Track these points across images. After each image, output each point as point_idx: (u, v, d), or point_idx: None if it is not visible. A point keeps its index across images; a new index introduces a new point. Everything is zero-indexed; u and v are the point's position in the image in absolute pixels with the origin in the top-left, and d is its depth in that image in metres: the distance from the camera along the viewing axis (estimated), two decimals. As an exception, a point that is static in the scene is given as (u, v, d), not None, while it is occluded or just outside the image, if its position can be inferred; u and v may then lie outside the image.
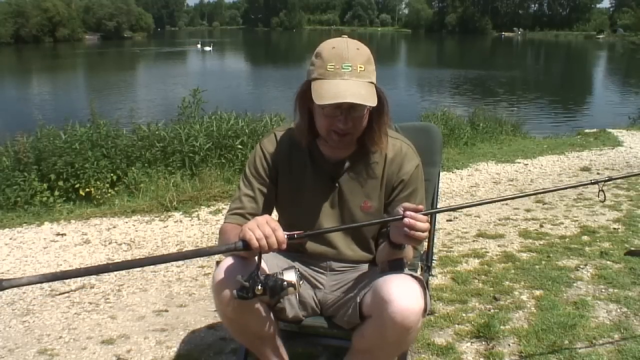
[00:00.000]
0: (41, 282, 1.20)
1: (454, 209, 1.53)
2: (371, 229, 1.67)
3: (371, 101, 1.43)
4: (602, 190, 1.55)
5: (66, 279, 1.42)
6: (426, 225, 1.36)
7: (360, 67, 1.45)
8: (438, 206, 2.11)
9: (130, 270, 3.24)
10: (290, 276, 1.36)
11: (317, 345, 2.09)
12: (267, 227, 1.32)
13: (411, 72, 30.72)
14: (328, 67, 1.45)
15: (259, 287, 1.32)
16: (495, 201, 1.54)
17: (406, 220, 1.35)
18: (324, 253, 1.70)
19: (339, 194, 1.65)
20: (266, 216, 1.37)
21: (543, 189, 1.76)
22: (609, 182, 5.14)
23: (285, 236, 1.34)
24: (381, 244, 1.62)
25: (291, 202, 1.68)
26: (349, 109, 1.46)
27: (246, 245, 1.31)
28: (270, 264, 1.54)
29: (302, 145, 1.63)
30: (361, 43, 1.51)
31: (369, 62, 1.49)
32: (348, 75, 1.44)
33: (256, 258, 1.35)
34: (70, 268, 3.29)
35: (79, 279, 3.12)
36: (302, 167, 1.66)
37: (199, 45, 50.87)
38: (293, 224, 1.64)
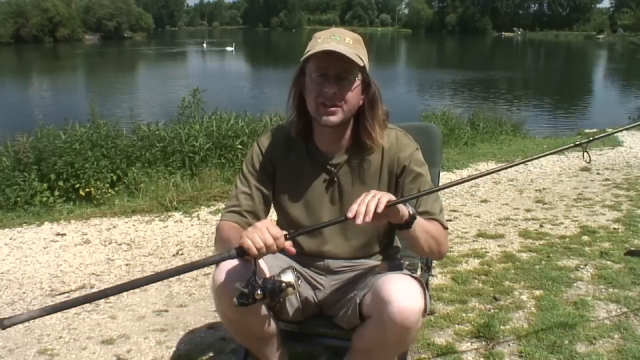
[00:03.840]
0: (42, 316, 1.20)
1: (442, 188, 1.55)
2: (368, 225, 1.65)
3: (356, 59, 1.46)
4: (587, 152, 1.58)
5: (66, 309, 1.43)
6: (371, 200, 1.32)
7: (348, 40, 1.51)
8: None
9: (130, 271, 3.25)
10: (288, 277, 1.35)
11: (317, 345, 2.09)
12: (267, 235, 1.30)
13: (411, 72, 30.72)
14: (317, 40, 1.52)
15: (259, 292, 1.31)
16: (481, 175, 1.56)
17: (350, 214, 1.32)
18: (321, 251, 1.69)
19: (339, 189, 1.64)
20: (267, 222, 1.34)
21: (528, 157, 1.77)
22: (608, 183, 5.07)
23: (288, 242, 1.32)
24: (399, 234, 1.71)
25: (290, 199, 1.67)
26: (336, 77, 1.48)
27: (240, 253, 1.30)
28: (270, 264, 1.53)
29: (293, 133, 1.63)
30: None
31: (359, 43, 1.54)
32: (336, 42, 1.49)
33: (253, 261, 1.33)
34: (70, 268, 3.29)
35: (79, 278, 3.13)
36: (299, 163, 1.65)
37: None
38: (293, 221, 1.65)
